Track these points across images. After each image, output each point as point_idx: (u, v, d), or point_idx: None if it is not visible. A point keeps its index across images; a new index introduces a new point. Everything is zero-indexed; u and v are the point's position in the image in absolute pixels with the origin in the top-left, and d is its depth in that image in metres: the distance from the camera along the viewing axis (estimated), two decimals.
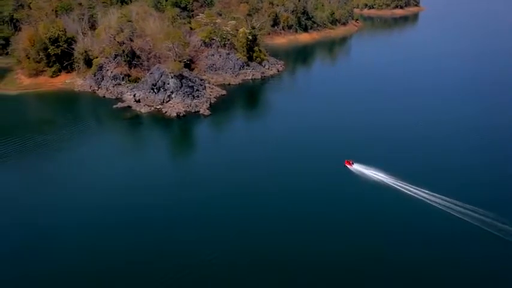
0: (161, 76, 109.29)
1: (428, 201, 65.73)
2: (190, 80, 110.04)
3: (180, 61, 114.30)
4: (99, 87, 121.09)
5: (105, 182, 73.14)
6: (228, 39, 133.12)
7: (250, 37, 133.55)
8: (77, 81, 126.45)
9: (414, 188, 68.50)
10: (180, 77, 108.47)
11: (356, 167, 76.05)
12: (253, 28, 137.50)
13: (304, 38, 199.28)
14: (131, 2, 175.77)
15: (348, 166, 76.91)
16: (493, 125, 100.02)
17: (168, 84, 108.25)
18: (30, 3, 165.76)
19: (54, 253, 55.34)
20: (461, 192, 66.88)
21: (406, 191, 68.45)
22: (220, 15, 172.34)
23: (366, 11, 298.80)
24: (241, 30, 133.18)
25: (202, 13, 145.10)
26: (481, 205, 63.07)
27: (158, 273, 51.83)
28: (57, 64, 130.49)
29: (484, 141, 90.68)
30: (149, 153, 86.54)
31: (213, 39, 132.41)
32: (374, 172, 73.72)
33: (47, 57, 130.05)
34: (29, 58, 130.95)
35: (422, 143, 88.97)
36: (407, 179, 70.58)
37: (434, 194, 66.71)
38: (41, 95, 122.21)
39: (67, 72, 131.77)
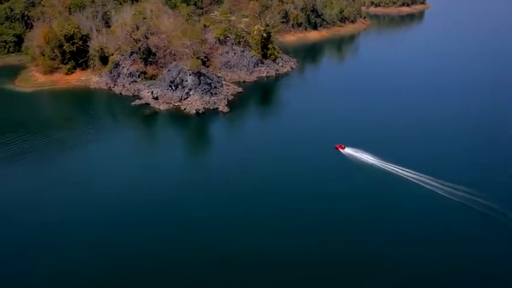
0: (179, 73, 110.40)
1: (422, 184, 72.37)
2: (208, 77, 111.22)
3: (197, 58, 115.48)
4: (115, 84, 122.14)
5: (122, 179, 74.31)
6: (243, 37, 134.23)
7: (264, 34, 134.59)
8: (92, 79, 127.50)
9: (403, 170, 75.75)
10: (198, 74, 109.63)
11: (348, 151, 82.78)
12: (267, 26, 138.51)
13: (313, 35, 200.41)
14: None
15: (340, 150, 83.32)
16: (491, 117, 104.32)
17: (186, 81, 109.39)
18: (42, 0, 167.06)
19: (68, 250, 56.45)
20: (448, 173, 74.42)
21: (395, 172, 75.45)
22: (231, 12, 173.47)
23: (372, 9, 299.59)
24: (255, 27, 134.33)
25: (217, 10, 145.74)
26: (462, 183, 70.66)
27: (176, 271, 53.00)
28: (72, 61, 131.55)
29: (479, 132, 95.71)
30: (169, 151, 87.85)
31: (228, 36, 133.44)
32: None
33: (61, 55, 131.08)
34: (43, 55, 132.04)
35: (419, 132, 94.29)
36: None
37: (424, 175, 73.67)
38: (56, 92, 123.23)
39: (82, 70, 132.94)
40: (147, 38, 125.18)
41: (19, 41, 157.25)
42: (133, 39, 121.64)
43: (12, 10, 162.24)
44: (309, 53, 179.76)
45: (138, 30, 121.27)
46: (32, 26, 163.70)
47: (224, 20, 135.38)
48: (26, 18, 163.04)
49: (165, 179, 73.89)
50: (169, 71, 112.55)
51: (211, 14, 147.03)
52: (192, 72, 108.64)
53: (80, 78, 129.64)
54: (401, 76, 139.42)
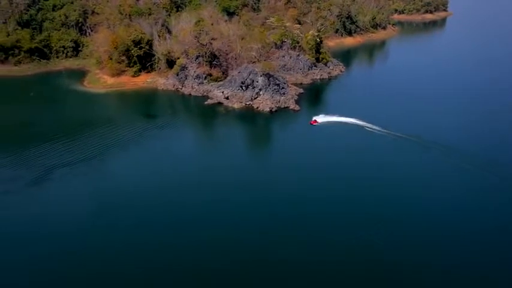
0: (249, 74, 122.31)
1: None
2: (276, 78, 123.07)
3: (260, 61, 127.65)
4: (182, 86, 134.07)
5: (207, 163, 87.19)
6: (298, 42, 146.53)
7: (318, 39, 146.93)
8: (158, 81, 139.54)
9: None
10: (268, 76, 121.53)
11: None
12: (319, 31, 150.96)
13: (349, 41, 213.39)
14: (185, 7, 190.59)
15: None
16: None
17: (257, 82, 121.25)
18: (94, 8, 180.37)
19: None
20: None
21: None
22: (268, 19, 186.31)
23: (396, 16, 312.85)
24: (310, 33, 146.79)
25: (272, 17, 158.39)
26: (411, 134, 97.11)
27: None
28: (137, 64, 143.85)
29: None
30: (246, 149, 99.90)
31: (284, 41, 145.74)
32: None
33: (128, 58, 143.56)
34: (111, 59, 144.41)
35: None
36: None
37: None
38: (127, 92, 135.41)
39: (147, 72, 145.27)
40: (211, 42, 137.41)
41: (76, 47, 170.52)
42: (200, 43, 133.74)
43: (67, 17, 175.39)
44: (349, 58, 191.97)
45: (206, 35, 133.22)
46: (86, 33, 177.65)
47: (280, 26, 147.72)
48: (80, 25, 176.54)
49: (234, 178, 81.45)
50: (239, 72, 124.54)
51: (267, 20, 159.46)
52: (263, 74, 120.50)
53: (146, 80, 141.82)
54: (433, 79, 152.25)
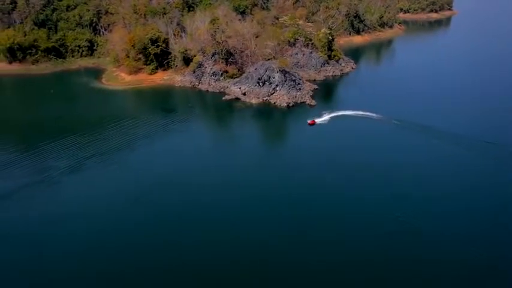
0: (266, 71, 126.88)
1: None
2: (292, 74, 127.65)
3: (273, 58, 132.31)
4: (199, 83, 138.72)
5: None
6: (311, 39, 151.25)
7: (330, 37, 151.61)
8: (175, 78, 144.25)
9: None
10: (284, 72, 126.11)
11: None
12: (331, 29, 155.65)
13: (357, 39, 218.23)
14: (196, 7, 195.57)
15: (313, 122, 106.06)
16: None
17: (274, 78, 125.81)
18: (108, 8, 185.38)
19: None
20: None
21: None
22: (277, 18, 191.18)
23: (401, 15, 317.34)
24: (322, 31, 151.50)
25: (286, 16, 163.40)
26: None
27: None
28: (154, 62, 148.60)
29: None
30: (260, 144, 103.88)
31: (297, 39, 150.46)
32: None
33: (145, 56, 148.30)
34: (128, 57, 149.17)
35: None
36: None
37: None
38: (145, 89, 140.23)
39: (163, 70, 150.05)
40: (226, 40, 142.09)
41: (91, 46, 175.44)
42: (216, 41, 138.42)
43: (81, 17, 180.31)
44: (358, 55, 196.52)
45: (221, 33, 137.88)
46: (100, 32, 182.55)
47: (293, 24, 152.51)
48: (94, 24, 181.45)
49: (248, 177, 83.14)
50: (256, 69, 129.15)
51: (280, 19, 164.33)
52: (279, 70, 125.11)
53: (163, 78, 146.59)
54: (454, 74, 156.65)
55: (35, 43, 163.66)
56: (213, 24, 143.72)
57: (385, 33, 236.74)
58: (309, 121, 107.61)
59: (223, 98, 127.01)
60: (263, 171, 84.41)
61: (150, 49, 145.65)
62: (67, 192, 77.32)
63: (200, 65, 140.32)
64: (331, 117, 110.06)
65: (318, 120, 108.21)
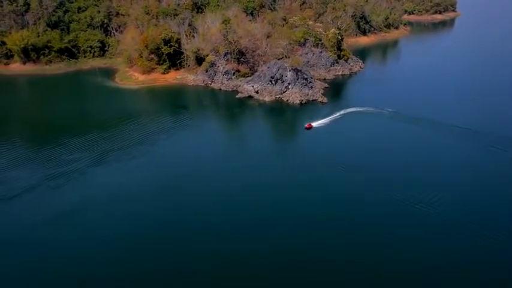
0: (278, 70, 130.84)
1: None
2: (304, 73, 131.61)
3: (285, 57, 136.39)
4: (212, 82, 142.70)
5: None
6: (320, 39, 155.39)
7: (339, 37, 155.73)
8: (187, 77, 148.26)
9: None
10: (296, 71, 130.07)
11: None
12: (339, 29, 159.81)
13: (363, 40, 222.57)
14: (205, 8, 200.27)
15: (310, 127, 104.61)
16: None
17: (286, 76, 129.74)
18: (119, 10, 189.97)
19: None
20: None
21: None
22: (285, 19, 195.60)
23: (405, 17, 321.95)
24: (331, 31, 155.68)
25: (296, 16, 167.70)
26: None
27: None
28: (167, 62, 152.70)
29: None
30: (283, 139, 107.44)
31: (307, 39, 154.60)
32: None
33: (158, 56, 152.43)
34: (141, 57, 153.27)
35: None
36: None
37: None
38: (159, 88, 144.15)
39: (175, 69, 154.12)
40: (238, 40, 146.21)
41: (103, 46, 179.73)
42: (229, 41, 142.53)
43: (92, 19, 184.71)
44: (365, 55, 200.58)
45: (233, 33, 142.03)
46: (111, 33, 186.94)
47: (303, 25, 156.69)
48: (105, 26, 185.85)
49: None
50: (268, 68, 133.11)
51: (290, 19, 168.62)
52: (292, 69, 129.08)
53: (176, 77, 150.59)
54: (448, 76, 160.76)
55: (48, 44, 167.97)
56: (225, 24, 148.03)
57: (391, 34, 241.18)
58: (305, 125, 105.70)
59: (237, 96, 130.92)
60: (272, 172, 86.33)
61: (163, 49, 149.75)
62: (95, 181, 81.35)
63: (212, 65, 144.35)
64: (341, 114, 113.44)
65: (314, 124, 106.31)
